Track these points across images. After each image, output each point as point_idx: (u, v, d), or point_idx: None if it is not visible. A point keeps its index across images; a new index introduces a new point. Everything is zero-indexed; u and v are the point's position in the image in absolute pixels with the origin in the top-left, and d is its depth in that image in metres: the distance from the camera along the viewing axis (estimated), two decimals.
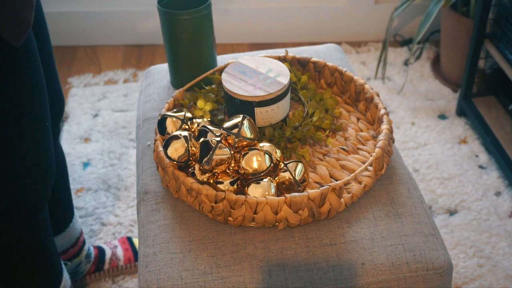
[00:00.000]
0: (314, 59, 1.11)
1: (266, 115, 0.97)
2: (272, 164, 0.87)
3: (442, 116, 1.86)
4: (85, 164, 1.74)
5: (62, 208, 1.31)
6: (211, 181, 0.88)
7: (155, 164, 1.00)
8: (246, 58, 1.04)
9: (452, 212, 1.55)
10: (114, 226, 1.55)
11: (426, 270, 0.83)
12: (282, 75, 0.98)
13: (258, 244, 0.86)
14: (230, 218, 0.86)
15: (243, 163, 0.87)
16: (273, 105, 0.96)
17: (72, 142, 1.82)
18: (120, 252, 1.44)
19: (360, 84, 1.05)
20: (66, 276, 1.24)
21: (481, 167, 1.67)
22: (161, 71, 1.22)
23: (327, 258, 0.84)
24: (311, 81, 1.11)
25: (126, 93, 2.02)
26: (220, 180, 0.88)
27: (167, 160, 0.91)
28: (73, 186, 1.67)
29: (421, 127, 1.81)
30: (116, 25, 2.22)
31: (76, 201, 1.62)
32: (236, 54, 1.26)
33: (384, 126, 0.95)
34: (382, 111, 0.98)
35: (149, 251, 0.88)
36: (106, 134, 1.85)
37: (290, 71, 1.06)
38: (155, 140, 0.97)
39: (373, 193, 0.92)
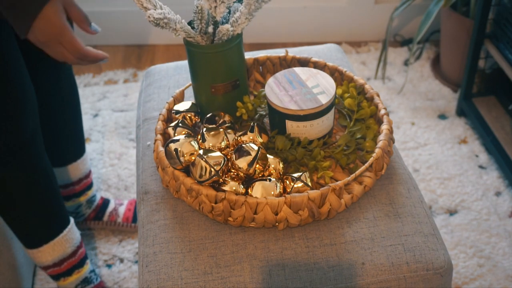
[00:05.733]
0: (314, 59, 1.10)
1: (298, 130, 0.94)
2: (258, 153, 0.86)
3: (442, 116, 1.86)
4: None
5: (74, 138, 1.38)
6: (216, 185, 0.87)
7: (155, 164, 1.00)
8: (302, 68, 1.01)
9: (452, 212, 1.55)
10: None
11: (426, 270, 0.83)
12: (325, 94, 0.94)
13: (258, 244, 0.86)
14: (230, 218, 0.86)
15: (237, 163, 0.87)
16: (305, 122, 0.93)
17: None
18: (122, 210, 1.52)
19: (360, 84, 1.04)
20: (72, 221, 1.30)
21: (481, 167, 1.67)
22: (161, 71, 1.22)
23: (327, 258, 0.84)
24: (364, 101, 1.02)
25: (126, 93, 2.02)
26: (226, 179, 0.87)
27: (166, 161, 0.91)
28: None
29: (421, 127, 1.81)
30: (116, 25, 2.22)
31: None
32: None
33: (384, 127, 0.95)
34: (382, 111, 0.98)
35: (149, 251, 0.88)
36: (106, 134, 1.85)
37: (351, 96, 1.00)
38: (155, 140, 0.97)
39: (373, 193, 0.92)
